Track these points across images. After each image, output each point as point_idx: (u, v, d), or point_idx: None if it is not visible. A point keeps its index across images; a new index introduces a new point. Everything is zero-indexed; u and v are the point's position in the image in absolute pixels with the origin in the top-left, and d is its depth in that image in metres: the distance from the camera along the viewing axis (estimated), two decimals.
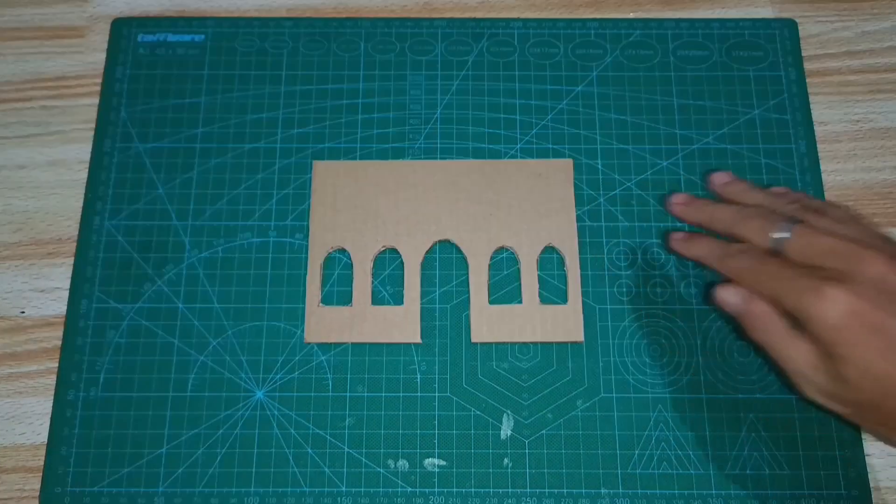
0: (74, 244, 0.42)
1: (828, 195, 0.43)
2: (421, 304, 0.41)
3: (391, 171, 0.43)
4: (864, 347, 0.32)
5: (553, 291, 0.41)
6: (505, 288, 0.41)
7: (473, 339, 0.40)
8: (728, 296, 0.37)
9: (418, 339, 0.40)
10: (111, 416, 0.39)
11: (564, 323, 0.40)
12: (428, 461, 0.39)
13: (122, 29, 0.47)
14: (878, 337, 0.31)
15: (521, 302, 0.41)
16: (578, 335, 0.40)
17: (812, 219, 0.36)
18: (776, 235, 0.35)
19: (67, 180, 0.44)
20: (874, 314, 0.31)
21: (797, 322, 0.34)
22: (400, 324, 0.41)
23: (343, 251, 0.42)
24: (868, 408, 0.33)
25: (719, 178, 0.42)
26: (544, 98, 0.45)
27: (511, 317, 0.41)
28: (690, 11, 0.48)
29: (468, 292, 0.41)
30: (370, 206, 0.43)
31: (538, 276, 0.41)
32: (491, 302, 0.41)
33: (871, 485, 0.38)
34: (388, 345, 0.40)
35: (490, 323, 0.40)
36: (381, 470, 0.39)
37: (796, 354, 0.34)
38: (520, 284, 0.41)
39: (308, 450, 0.39)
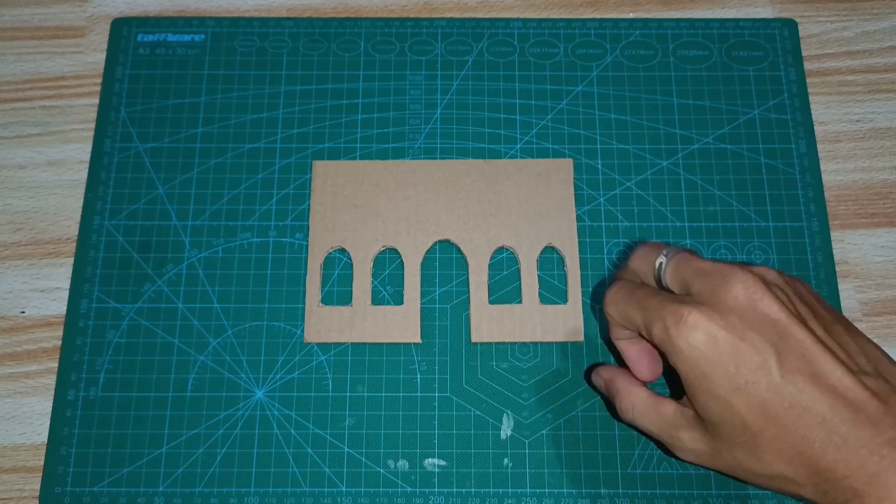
0: (74, 244, 0.42)
1: (828, 195, 0.43)
2: (421, 304, 0.41)
3: (391, 171, 0.43)
4: (721, 377, 0.30)
5: (553, 291, 0.41)
6: (505, 288, 0.41)
7: (473, 339, 0.40)
8: (593, 377, 0.38)
9: (418, 339, 0.40)
10: (111, 416, 0.39)
11: (564, 323, 0.40)
12: (428, 461, 0.39)
13: (122, 29, 0.46)
14: (732, 368, 0.29)
15: (521, 302, 0.41)
16: (578, 335, 0.40)
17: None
18: (658, 261, 0.34)
19: (67, 180, 0.44)
20: (732, 341, 0.30)
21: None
22: (400, 324, 0.41)
23: (343, 251, 0.42)
24: (728, 456, 0.31)
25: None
26: (544, 98, 0.45)
27: (511, 317, 0.41)
28: (690, 11, 0.48)
29: (468, 292, 0.41)
30: (370, 206, 0.43)
31: (538, 276, 0.41)
32: (491, 302, 0.41)
33: None
34: (388, 345, 0.40)
35: (490, 323, 0.40)
36: (381, 470, 0.39)
37: (659, 418, 0.33)
38: (520, 284, 0.41)
39: (308, 450, 0.39)
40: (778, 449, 0.29)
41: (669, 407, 0.33)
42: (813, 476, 0.29)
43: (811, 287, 0.33)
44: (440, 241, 0.42)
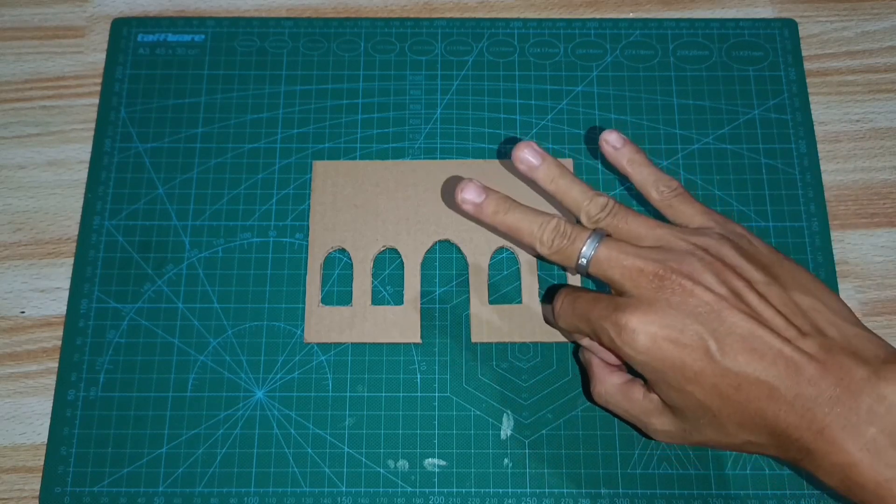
0: (74, 244, 0.42)
1: (828, 195, 0.43)
2: (421, 304, 0.41)
3: (391, 171, 0.43)
4: (672, 372, 0.31)
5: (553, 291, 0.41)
6: (505, 288, 0.41)
7: (473, 340, 0.40)
8: (580, 354, 0.38)
9: (418, 339, 0.40)
10: (111, 416, 0.39)
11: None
12: (428, 461, 0.39)
13: (122, 29, 0.46)
14: (679, 362, 0.31)
15: (521, 302, 0.41)
16: None
17: (619, 226, 0.34)
18: (580, 261, 0.34)
19: (67, 180, 0.44)
20: (673, 338, 0.31)
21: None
22: (400, 324, 0.41)
23: (343, 251, 0.42)
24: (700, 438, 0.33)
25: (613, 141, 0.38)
26: (544, 98, 0.45)
27: (511, 317, 0.41)
28: (690, 11, 0.48)
29: (468, 292, 0.41)
30: (370, 206, 0.43)
31: (538, 276, 0.41)
32: (491, 302, 0.41)
33: None
34: (388, 345, 0.40)
35: (490, 323, 0.40)
36: (381, 470, 0.39)
37: (630, 403, 0.35)
38: (520, 284, 0.41)
39: (308, 450, 0.39)
40: (738, 422, 0.31)
41: (638, 393, 0.35)
42: (773, 439, 0.31)
43: (749, 236, 0.34)
44: (440, 241, 0.42)
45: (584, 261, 0.34)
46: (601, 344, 0.34)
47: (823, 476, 0.30)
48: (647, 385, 0.34)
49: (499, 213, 0.36)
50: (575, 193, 0.36)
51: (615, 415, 0.37)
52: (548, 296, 0.41)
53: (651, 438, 0.36)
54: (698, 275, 0.31)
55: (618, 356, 0.34)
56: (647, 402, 0.34)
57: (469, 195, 0.36)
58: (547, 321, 0.40)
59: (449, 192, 0.42)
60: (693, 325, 0.31)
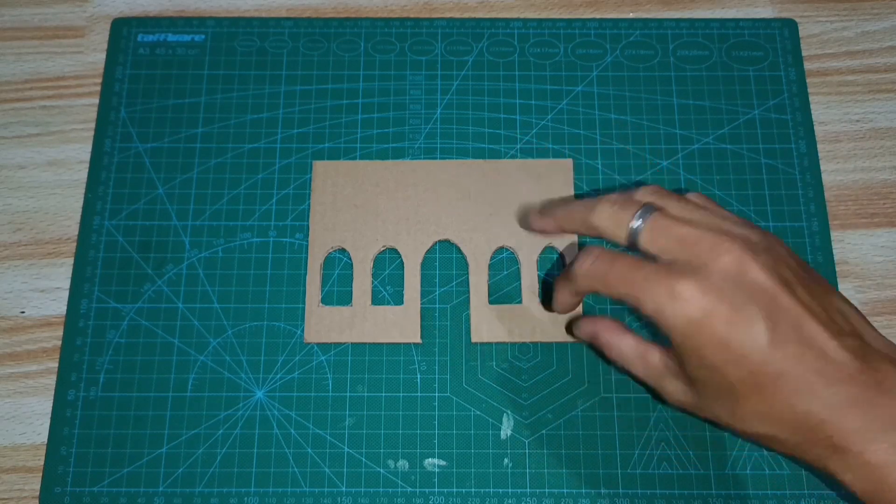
0: (74, 244, 0.42)
1: (828, 195, 0.43)
2: (421, 304, 0.41)
3: (391, 171, 0.43)
4: (713, 350, 0.30)
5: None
6: (505, 288, 0.41)
7: (473, 340, 0.40)
8: (576, 331, 0.38)
9: (418, 339, 0.40)
10: (111, 416, 0.39)
11: (564, 323, 0.40)
12: (428, 461, 0.39)
13: (122, 29, 0.46)
14: (725, 341, 0.29)
15: (521, 302, 0.41)
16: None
17: (671, 205, 0.33)
18: (633, 225, 0.32)
19: (67, 180, 0.44)
20: (727, 315, 0.29)
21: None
22: (400, 324, 0.41)
23: (343, 251, 0.42)
24: (720, 419, 0.32)
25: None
26: (544, 98, 0.45)
27: (511, 317, 0.41)
28: (690, 11, 0.48)
29: (468, 292, 0.41)
30: (370, 206, 0.43)
31: (538, 276, 0.41)
32: (491, 302, 0.41)
33: None
34: (388, 345, 0.40)
35: (490, 323, 0.40)
36: (381, 470, 0.39)
37: (646, 367, 0.34)
38: (520, 284, 0.41)
39: (308, 450, 0.39)
40: (762, 414, 0.30)
41: (655, 356, 0.34)
42: (797, 434, 0.29)
43: (787, 245, 0.33)
44: (440, 241, 0.42)
45: (638, 223, 0.32)
46: (636, 309, 0.31)
47: (851, 477, 0.28)
48: (669, 352, 0.32)
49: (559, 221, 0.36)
50: (606, 207, 0.34)
51: (630, 375, 0.36)
52: (547, 290, 0.41)
53: (661, 402, 0.36)
54: (755, 253, 0.30)
55: (655, 324, 0.31)
56: (663, 367, 0.33)
57: (537, 226, 0.37)
58: (549, 293, 0.38)
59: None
60: (750, 305, 0.29)
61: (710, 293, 0.29)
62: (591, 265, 0.33)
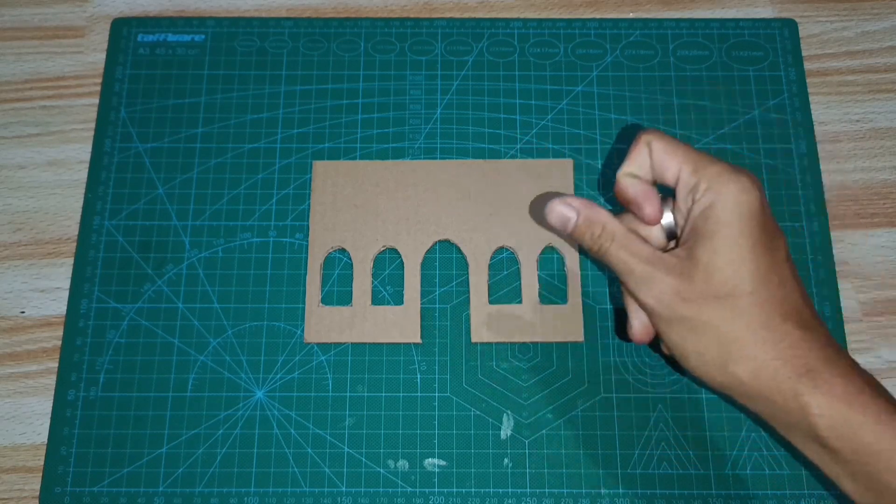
0: (74, 244, 0.42)
1: (828, 195, 0.43)
2: (421, 304, 0.41)
3: (391, 170, 0.43)
4: (750, 237, 0.31)
5: (553, 291, 0.41)
6: (505, 288, 0.41)
7: (473, 340, 0.40)
8: (564, 209, 0.34)
9: (418, 339, 0.40)
10: (111, 416, 0.39)
11: (564, 323, 0.40)
12: (428, 461, 0.39)
13: (122, 29, 0.46)
14: (762, 235, 0.31)
15: (521, 302, 0.41)
16: (578, 335, 0.40)
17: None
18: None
19: (67, 180, 0.44)
20: (770, 216, 0.32)
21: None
22: (400, 324, 0.41)
23: (343, 251, 0.42)
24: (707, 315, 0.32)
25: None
26: (544, 98, 0.45)
27: (511, 317, 0.41)
28: (690, 11, 0.48)
29: (468, 292, 0.41)
30: (370, 206, 0.43)
31: (538, 276, 0.41)
32: (491, 302, 0.41)
33: None
34: (388, 345, 0.40)
35: (490, 323, 0.40)
36: (381, 470, 0.39)
37: (656, 272, 0.32)
38: (520, 284, 0.41)
39: (308, 450, 0.39)
40: (748, 319, 0.31)
41: (647, 248, 0.33)
42: (769, 352, 0.31)
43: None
44: (440, 241, 0.42)
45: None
46: (692, 176, 0.32)
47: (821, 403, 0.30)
48: (689, 243, 0.32)
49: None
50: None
51: (603, 262, 0.34)
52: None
53: (635, 297, 0.33)
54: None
55: (697, 193, 0.32)
56: (656, 257, 0.33)
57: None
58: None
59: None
60: (776, 223, 0.33)
61: (764, 195, 0.32)
62: (656, 134, 0.34)
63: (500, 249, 0.42)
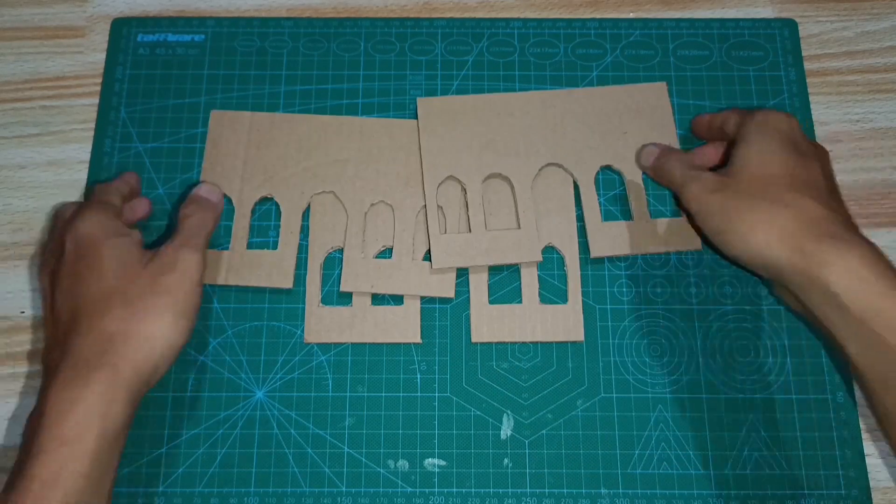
0: None
1: None
2: (421, 303, 0.41)
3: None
4: (782, 149, 0.37)
5: (553, 291, 0.41)
6: (505, 288, 0.41)
7: (474, 340, 0.40)
8: (651, 147, 0.42)
9: (418, 339, 0.40)
10: None
11: (564, 323, 0.40)
12: (428, 461, 0.39)
13: (122, 29, 0.46)
14: (791, 142, 0.38)
15: (521, 302, 0.41)
16: (579, 335, 0.40)
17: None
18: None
19: (67, 180, 0.44)
20: (799, 134, 0.39)
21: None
22: (400, 324, 0.40)
23: (342, 251, 0.42)
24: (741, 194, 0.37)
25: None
26: None
27: (511, 317, 0.41)
28: (690, 11, 0.48)
29: (468, 292, 0.41)
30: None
31: (538, 276, 0.41)
32: (491, 302, 0.41)
33: (871, 485, 0.38)
34: (388, 345, 0.40)
35: (490, 323, 0.40)
36: (381, 470, 0.39)
37: (695, 172, 0.39)
38: (520, 284, 0.41)
39: (308, 450, 0.39)
40: (775, 194, 0.36)
41: (696, 164, 0.41)
42: (792, 220, 0.35)
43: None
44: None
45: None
46: (742, 114, 0.40)
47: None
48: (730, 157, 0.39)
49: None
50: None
51: (661, 178, 0.42)
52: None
53: (684, 198, 0.39)
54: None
55: (745, 121, 0.39)
56: (700, 171, 0.39)
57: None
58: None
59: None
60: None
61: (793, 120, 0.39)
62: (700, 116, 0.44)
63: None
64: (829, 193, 0.37)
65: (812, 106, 0.45)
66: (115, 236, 0.36)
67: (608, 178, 0.43)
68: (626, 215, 0.42)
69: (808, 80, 0.46)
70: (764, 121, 0.38)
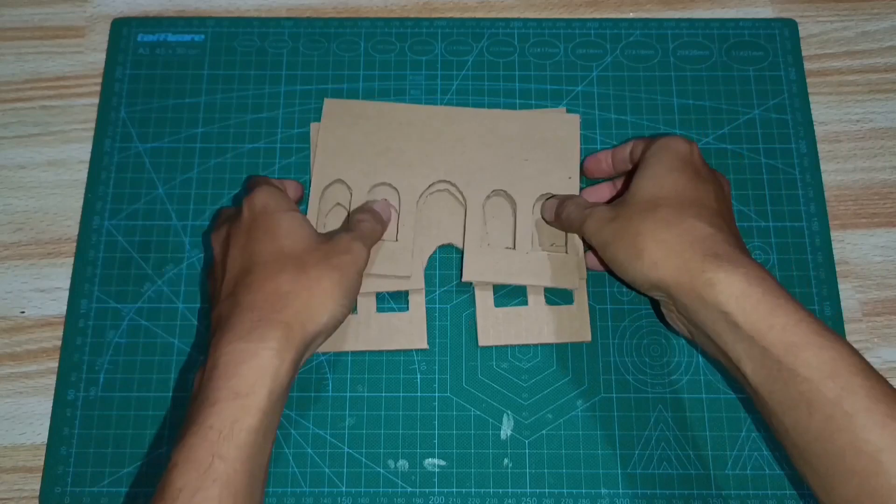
0: (74, 244, 0.42)
1: (828, 195, 0.43)
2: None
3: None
4: (677, 172, 0.37)
5: (558, 293, 0.41)
6: (506, 287, 0.41)
7: (481, 343, 0.40)
8: (548, 205, 0.42)
9: (425, 345, 0.40)
10: (111, 416, 0.39)
11: (571, 324, 0.40)
12: (428, 461, 0.39)
13: (122, 29, 0.46)
14: (690, 167, 0.37)
15: (526, 303, 0.41)
16: (586, 335, 0.40)
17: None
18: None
19: (67, 180, 0.44)
20: (698, 160, 0.38)
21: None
22: (406, 330, 0.40)
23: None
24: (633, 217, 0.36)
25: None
26: (544, 98, 0.45)
27: (518, 319, 0.40)
28: (690, 11, 0.48)
29: (468, 293, 0.41)
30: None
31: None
32: (496, 305, 0.41)
33: None
34: None
35: (497, 326, 0.40)
36: (381, 470, 0.39)
37: (591, 208, 0.39)
38: (524, 286, 0.41)
39: (308, 450, 0.39)
40: (663, 215, 0.35)
41: (591, 200, 0.41)
42: (679, 240, 0.34)
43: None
44: (442, 246, 0.42)
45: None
46: (636, 147, 0.40)
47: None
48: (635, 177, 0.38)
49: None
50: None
51: (563, 225, 0.41)
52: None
53: (583, 233, 0.38)
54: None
55: (644, 150, 0.39)
56: (596, 204, 0.39)
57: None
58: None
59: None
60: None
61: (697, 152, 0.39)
62: (598, 154, 0.43)
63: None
64: (719, 215, 0.36)
65: (812, 106, 0.45)
66: (290, 210, 0.37)
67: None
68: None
69: (808, 80, 0.46)
70: (664, 146, 0.38)
